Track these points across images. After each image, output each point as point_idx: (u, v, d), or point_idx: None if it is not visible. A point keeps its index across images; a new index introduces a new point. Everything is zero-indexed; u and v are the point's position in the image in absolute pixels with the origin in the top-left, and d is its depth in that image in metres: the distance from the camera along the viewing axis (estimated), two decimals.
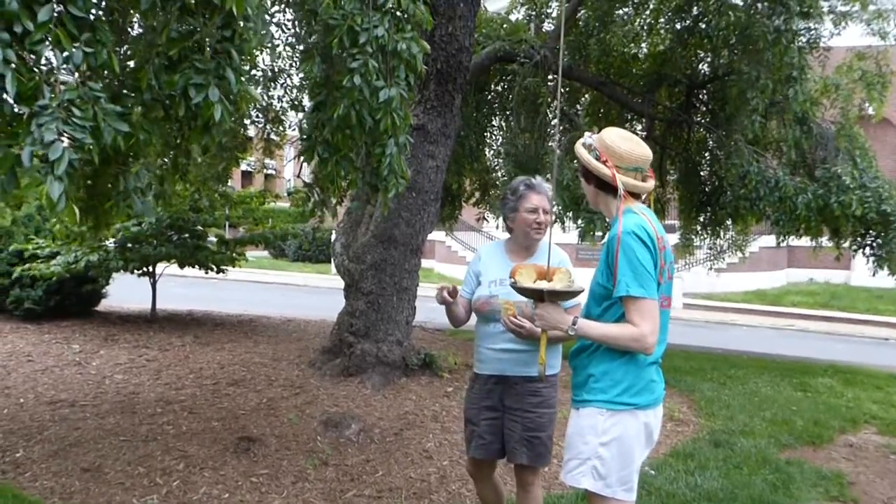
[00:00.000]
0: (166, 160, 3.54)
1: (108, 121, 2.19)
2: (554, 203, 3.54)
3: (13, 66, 2.12)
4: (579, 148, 2.64)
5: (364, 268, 6.72)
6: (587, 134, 2.64)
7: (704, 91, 10.08)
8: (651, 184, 2.63)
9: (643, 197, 2.63)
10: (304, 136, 3.54)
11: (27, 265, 8.63)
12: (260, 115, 8.29)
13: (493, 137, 11.38)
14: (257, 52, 6.05)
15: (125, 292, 10.72)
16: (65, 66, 2.31)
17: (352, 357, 6.64)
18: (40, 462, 4.55)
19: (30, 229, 9.42)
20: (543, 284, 2.67)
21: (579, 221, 8.87)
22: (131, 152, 2.83)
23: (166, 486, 4.27)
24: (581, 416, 2.57)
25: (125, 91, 2.82)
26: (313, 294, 16.71)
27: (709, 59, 9.78)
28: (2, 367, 6.92)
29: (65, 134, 2.09)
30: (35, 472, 4.39)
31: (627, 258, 2.42)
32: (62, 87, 2.18)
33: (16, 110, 2.19)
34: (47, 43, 2.28)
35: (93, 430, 5.13)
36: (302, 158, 3.77)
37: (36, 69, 2.27)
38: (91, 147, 2.13)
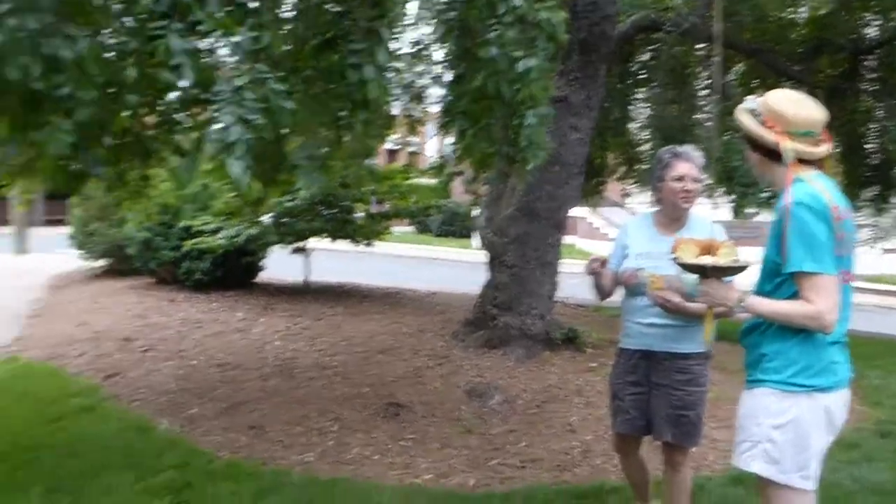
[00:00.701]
0: (328, 135, 3.72)
1: (277, 101, 2.34)
2: (704, 174, 3.41)
3: (190, 55, 2.30)
4: (742, 114, 2.48)
5: (507, 241, 6.77)
6: (750, 98, 2.48)
7: (871, 57, 9.29)
8: (825, 148, 2.40)
9: (819, 163, 2.42)
10: (445, 109, 3.61)
11: (195, 240, 9.35)
12: (403, 92, 8.47)
13: (639, 110, 11.05)
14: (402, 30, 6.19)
15: (280, 266, 11.37)
16: (232, 51, 2.48)
17: (495, 329, 6.73)
18: (211, 419, 4.95)
19: (196, 206, 10.16)
20: (707, 260, 2.55)
21: (732, 196, 8.49)
22: (297, 129, 3.00)
23: (322, 445, 4.54)
24: (754, 397, 2.43)
25: (285, 72, 3.00)
26: (456, 268, 17.00)
27: (877, 23, 8.99)
28: (177, 332, 7.57)
29: (240, 116, 2.25)
30: (207, 428, 4.78)
31: (798, 231, 2.26)
32: (234, 72, 2.35)
33: (194, 97, 2.38)
34: (217, 31, 2.46)
35: (256, 392, 5.52)
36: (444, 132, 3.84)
37: (209, 56, 2.46)
38: (264, 126, 2.29)
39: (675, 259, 2.61)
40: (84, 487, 3.69)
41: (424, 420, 4.99)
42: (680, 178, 3.16)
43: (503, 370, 6.17)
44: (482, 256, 7.26)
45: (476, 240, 20.37)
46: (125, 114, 3.03)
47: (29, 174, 4.87)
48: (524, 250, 6.73)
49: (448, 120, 3.55)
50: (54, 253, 16.85)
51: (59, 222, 20.01)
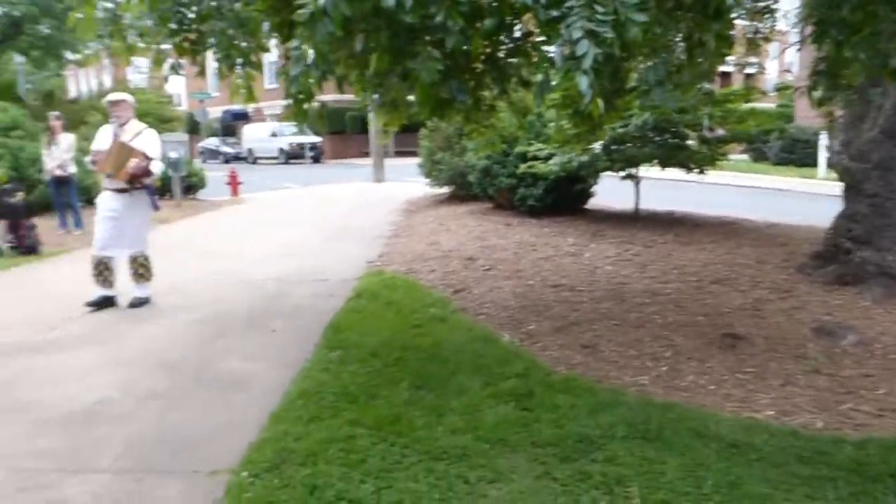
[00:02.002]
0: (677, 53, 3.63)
1: (628, 14, 2.33)
2: None
3: None
4: None
5: (868, 167, 6.03)
6: None
7: None
8: None
9: None
10: (815, 21, 3.26)
11: (528, 164, 9.78)
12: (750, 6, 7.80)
13: None
14: None
15: (609, 193, 11.41)
16: None
17: (849, 265, 6.09)
18: (547, 335, 5.24)
19: (531, 133, 10.55)
20: None
21: None
22: (646, 44, 2.97)
23: (655, 370, 4.57)
24: None
25: None
26: (797, 199, 15.54)
27: None
28: (513, 254, 8.07)
29: (589, 30, 2.28)
30: (544, 344, 5.08)
31: None
32: None
33: (549, 15, 2.46)
34: None
35: (589, 313, 5.71)
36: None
37: None
38: (612, 41, 2.31)
39: None
40: (442, 387, 4.18)
41: (765, 354, 4.75)
42: None
43: (857, 309, 5.60)
44: (831, 187, 6.55)
45: (823, 168, 18.31)
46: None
47: (393, 110, 5.47)
48: (889, 177, 5.94)
49: (819, 32, 3.21)
50: (405, 181, 18.80)
51: (409, 153, 22.14)
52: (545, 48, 4.03)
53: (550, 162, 9.47)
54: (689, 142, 9.68)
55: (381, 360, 4.65)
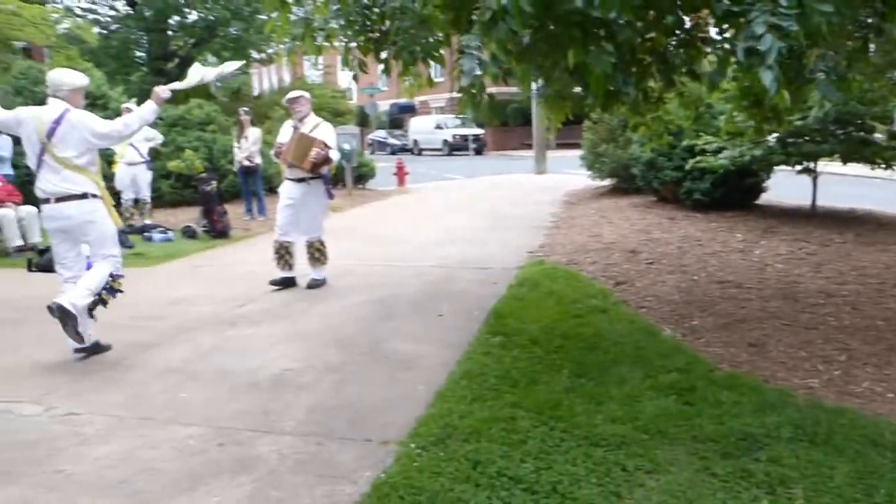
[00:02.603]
0: (850, 43, 3.47)
1: (814, 5, 2.30)
2: None
3: None
4: None
5: None
6: None
7: None
8: None
9: None
10: None
11: (697, 159, 9.48)
12: None
13: None
14: None
15: (783, 188, 10.83)
16: None
17: None
18: (711, 332, 5.14)
19: (700, 126, 10.22)
20: None
21: None
22: (825, 36, 2.88)
23: (827, 373, 4.37)
24: None
25: None
26: None
27: None
28: (678, 248, 7.91)
29: (772, 24, 2.27)
30: (707, 340, 4.99)
31: None
32: None
33: (726, 11, 2.47)
34: None
35: (756, 311, 5.53)
36: None
37: None
38: (797, 33, 2.28)
39: None
40: (601, 377, 4.24)
41: None
42: None
43: None
44: None
45: None
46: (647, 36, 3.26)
47: (559, 102, 5.57)
48: None
49: None
50: (566, 173, 18.74)
51: (571, 145, 22.02)
52: (714, 38, 3.99)
53: (720, 156, 9.15)
54: (877, 136, 9.00)
55: (541, 348, 4.77)
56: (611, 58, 3.12)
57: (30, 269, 8.02)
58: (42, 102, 5.11)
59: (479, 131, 35.00)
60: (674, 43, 4.38)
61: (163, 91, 5.10)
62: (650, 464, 3.22)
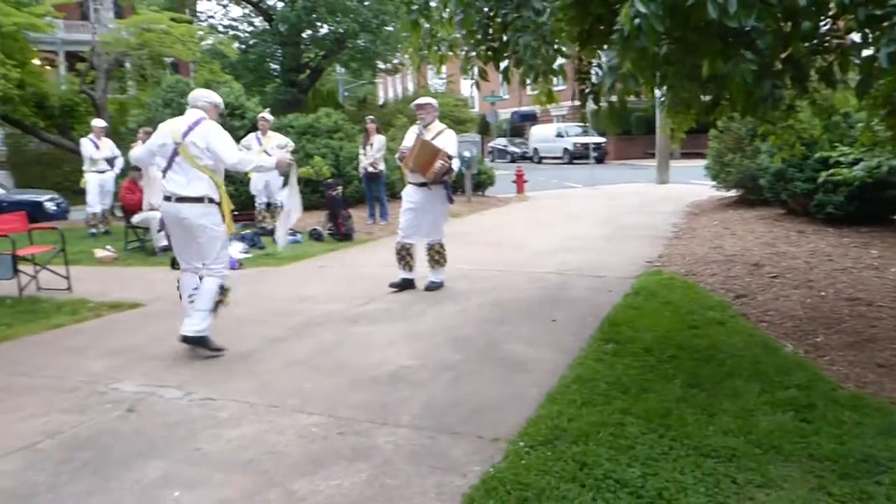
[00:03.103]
0: None
1: None
2: None
3: None
4: None
5: None
6: None
7: None
8: None
9: None
10: None
11: (831, 171, 9.04)
12: None
13: None
14: None
15: None
16: None
17: None
18: (837, 350, 4.94)
19: (835, 136, 9.74)
20: None
21: None
22: None
23: None
24: None
25: None
26: None
27: None
28: (805, 262, 7.60)
29: None
30: (832, 358, 4.80)
31: None
32: None
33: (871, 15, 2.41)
34: None
35: (889, 330, 5.25)
36: None
37: None
38: None
39: None
40: (715, 388, 4.18)
41: None
42: None
43: None
44: None
45: None
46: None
47: (683, 111, 5.52)
48: None
49: None
50: (690, 183, 18.26)
51: (695, 155, 21.42)
52: (851, 43, 3.87)
53: (856, 168, 8.68)
54: None
55: (654, 357, 4.76)
56: (751, 65, 3.15)
57: (173, 267, 8.68)
58: None
59: (601, 140, 34.56)
60: (808, 49, 4.28)
61: (289, 161, 5.69)
62: (762, 478, 3.18)
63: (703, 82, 3.96)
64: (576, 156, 34.60)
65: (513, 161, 35.07)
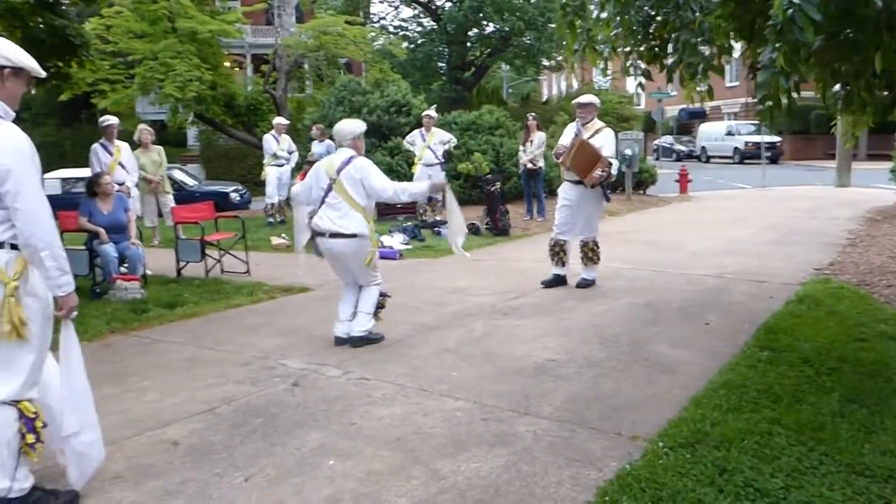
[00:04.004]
0: None
1: None
2: None
3: None
4: None
5: None
6: None
7: None
8: None
9: None
10: None
11: None
12: None
13: None
14: None
15: None
16: None
17: None
18: None
19: None
20: None
21: None
22: None
23: None
24: None
25: None
26: None
27: None
28: None
29: None
30: None
31: None
32: None
33: None
34: None
35: None
36: None
37: None
38: None
39: None
40: (877, 405, 3.94)
41: None
42: None
43: None
44: None
45: None
46: None
47: (859, 111, 5.21)
48: None
49: None
50: (873, 187, 16.89)
51: (882, 157, 19.73)
52: None
53: None
54: None
55: (812, 367, 4.55)
56: None
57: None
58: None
59: (776, 139, 32.53)
60: None
61: (442, 184, 5.91)
62: None
63: (875, 78, 3.75)
64: (747, 155, 32.81)
65: (678, 160, 33.81)
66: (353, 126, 5.56)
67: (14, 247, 2.95)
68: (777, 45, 3.28)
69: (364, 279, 5.56)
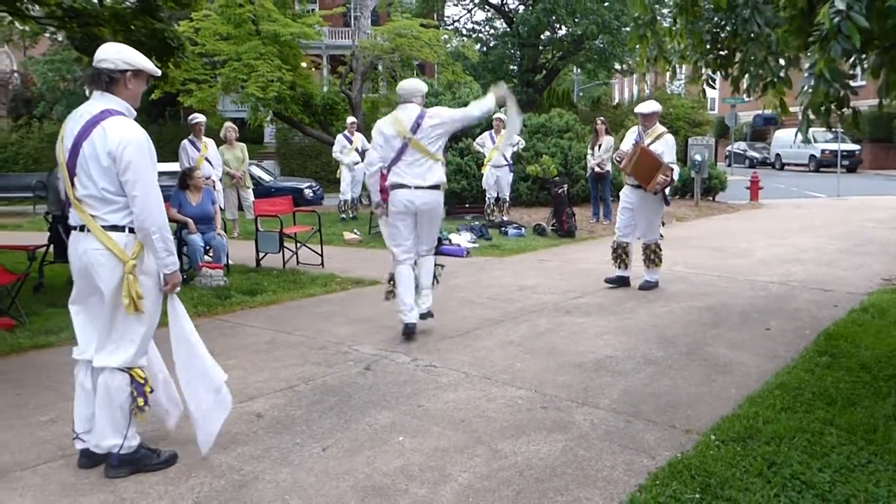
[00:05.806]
0: None
1: None
2: None
3: None
4: None
5: None
6: None
7: None
8: None
9: None
10: None
11: None
12: None
13: None
14: None
15: None
16: None
17: None
18: None
19: None
20: None
21: None
22: None
23: None
24: None
25: None
26: None
27: None
28: None
29: None
30: None
31: None
32: None
33: None
34: None
35: None
36: None
37: None
38: None
39: None
40: None
41: None
42: None
43: None
44: None
45: None
46: None
47: None
48: None
49: None
50: None
51: None
52: None
53: None
54: None
55: (870, 374, 4.62)
56: None
57: None
58: None
59: (855, 147, 31.53)
60: None
61: (504, 93, 5.79)
62: None
63: None
64: (823, 163, 31.89)
65: (752, 167, 33.16)
66: (421, 84, 5.94)
67: (132, 230, 3.35)
68: (819, 54, 3.38)
69: (434, 236, 5.90)
